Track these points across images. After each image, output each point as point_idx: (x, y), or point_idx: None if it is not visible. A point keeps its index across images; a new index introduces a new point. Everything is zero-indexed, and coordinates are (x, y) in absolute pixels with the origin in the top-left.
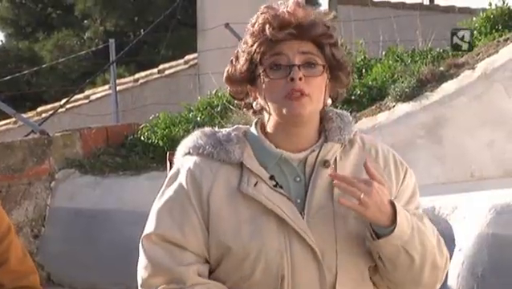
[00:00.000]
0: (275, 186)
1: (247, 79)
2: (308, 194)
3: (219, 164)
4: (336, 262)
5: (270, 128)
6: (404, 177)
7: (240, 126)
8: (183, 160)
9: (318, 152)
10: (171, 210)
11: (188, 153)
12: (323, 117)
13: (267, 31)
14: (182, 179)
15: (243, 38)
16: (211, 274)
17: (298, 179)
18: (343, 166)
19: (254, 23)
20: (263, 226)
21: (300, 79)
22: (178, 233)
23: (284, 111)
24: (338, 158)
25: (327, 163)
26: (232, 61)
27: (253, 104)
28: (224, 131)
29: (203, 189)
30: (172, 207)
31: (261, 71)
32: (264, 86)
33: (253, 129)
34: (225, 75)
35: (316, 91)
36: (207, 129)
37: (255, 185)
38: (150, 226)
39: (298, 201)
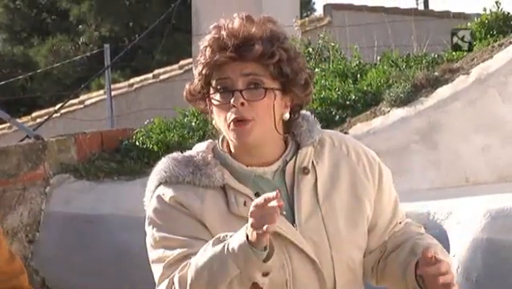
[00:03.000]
0: None
1: (202, 99)
2: (295, 204)
3: (203, 190)
4: (333, 268)
5: (232, 148)
6: (380, 174)
7: (204, 144)
8: (160, 191)
9: (295, 160)
10: (168, 239)
11: (165, 183)
12: (288, 124)
13: (207, 55)
14: (168, 209)
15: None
16: None
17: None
18: (321, 170)
19: (202, 43)
20: None
21: (242, 104)
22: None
23: (232, 137)
24: (314, 162)
25: (306, 169)
26: (191, 80)
27: (212, 122)
28: (195, 154)
29: (195, 212)
30: (167, 237)
31: (209, 94)
32: (213, 110)
33: (219, 147)
34: (184, 93)
35: (261, 113)
36: (177, 155)
37: (244, 204)
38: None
39: (284, 212)
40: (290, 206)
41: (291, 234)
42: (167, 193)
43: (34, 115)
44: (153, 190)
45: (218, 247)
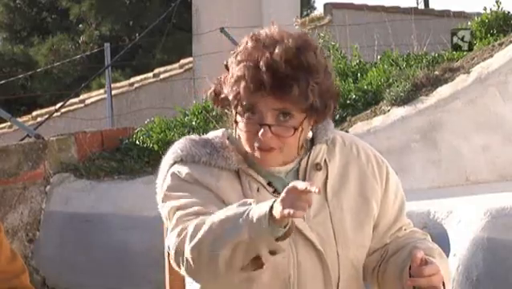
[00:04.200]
0: (274, 193)
1: (228, 105)
2: None
3: (218, 171)
4: (338, 266)
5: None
6: (387, 177)
7: (219, 131)
8: (175, 169)
9: (309, 156)
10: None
11: (181, 161)
12: None
13: (241, 91)
14: (184, 184)
15: (231, 57)
16: None
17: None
18: (332, 168)
19: (237, 64)
20: None
21: (270, 137)
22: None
23: (255, 155)
24: (327, 160)
25: (319, 166)
26: (218, 82)
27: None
28: (213, 137)
29: (212, 189)
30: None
31: (236, 112)
32: (238, 124)
33: (235, 138)
34: (209, 92)
35: (287, 144)
36: (196, 137)
37: (258, 190)
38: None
39: None
40: None
41: (299, 223)
42: (182, 170)
43: (34, 114)
44: (167, 169)
45: (240, 209)
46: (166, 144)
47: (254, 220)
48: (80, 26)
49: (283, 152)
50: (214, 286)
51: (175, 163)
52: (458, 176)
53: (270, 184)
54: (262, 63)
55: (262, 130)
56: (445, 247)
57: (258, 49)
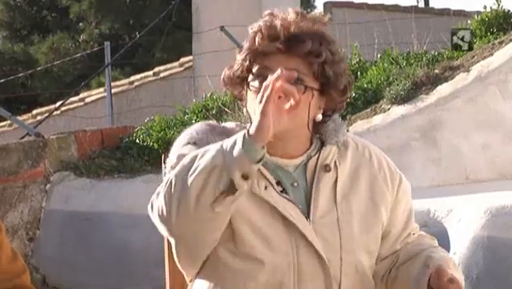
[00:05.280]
0: (282, 192)
1: (240, 84)
2: (313, 199)
3: None
4: (341, 270)
5: None
6: (400, 184)
7: (233, 124)
8: (186, 150)
9: (318, 157)
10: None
11: (194, 144)
12: (316, 125)
13: (256, 41)
14: (192, 163)
15: (240, 45)
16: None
17: (295, 184)
18: (342, 170)
19: (252, 28)
20: (272, 229)
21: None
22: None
23: None
24: (337, 162)
25: (328, 167)
26: (230, 66)
27: (244, 110)
28: (230, 128)
29: None
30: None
31: (248, 80)
32: (248, 95)
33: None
34: (222, 75)
35: (297, 109)
36: (214, 123)
37: (265, 188)
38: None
39: (300, 206)
40: (306, 201)
41: (302, 226)
42: (193, 151)
43: (34, 112)
44: (179, 149)
45: (217, 144)
46: (166, 143)
47: (229, 144)
48: (80, 24)
49: (293, 119)
50: (189, 238)
51: (188, 143)
52: (458, 174)
53: (278, 183)
54: (277, 21)
55: None
56: (445, 246)
57: (273, 15)
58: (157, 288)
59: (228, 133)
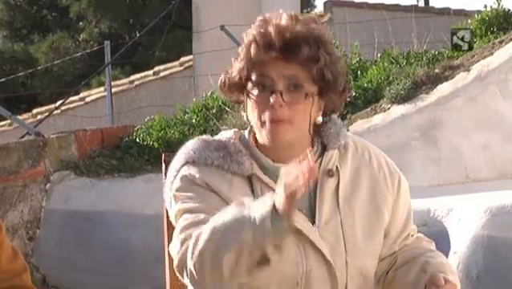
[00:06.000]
0: None
1: (238, 90)
2: (317, 205)
3: (231, 176)
4: (347, 272)
5: (260, 140)
6: (399, 186)
7: (231, 132)
8: (186, 170)
9: (320, 162)
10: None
11: (192, 163)
12: (316, 127)
13: (252, 52)
14: (194, 187)
15: (240, 45)
16: None
17: None
18: (343, 174)
19: (246, 36)
20: None
21: (281, 105)
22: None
23: (264, 135)
24: (338, 166)
25: (331, 172)
26: (227, 69)
27: (243, 115)
28: (226, 139)
29: (222, 195)
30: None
31: (247, 88)
32: (248, 104)
33: (247, 137)
34: (219, 82)
35: (298, 116)
36: (208, 138)
37: None
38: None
39: (304, 211)
40: (311, 207)
41: (310, 233)
42: (193, 172)
43: (34, 112)
44: (178, 169)
45: (239, 213)
46: (166, 142)
47: (257, 221)
48: (80, 23)
49: (294, 126)
50: None
51: (186, 163)
52: (458, 174)
53: None
54: (271, 28)
55: (273, 96)
56: (445, 245)
57: (266, 21)
58: (157, 288)
59: (225, 147)
